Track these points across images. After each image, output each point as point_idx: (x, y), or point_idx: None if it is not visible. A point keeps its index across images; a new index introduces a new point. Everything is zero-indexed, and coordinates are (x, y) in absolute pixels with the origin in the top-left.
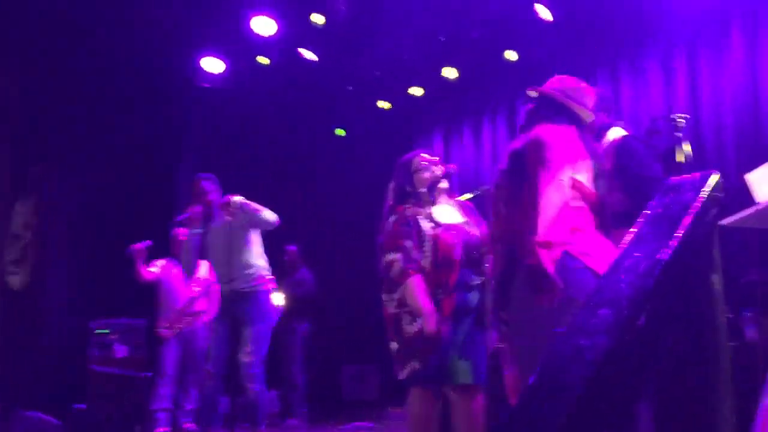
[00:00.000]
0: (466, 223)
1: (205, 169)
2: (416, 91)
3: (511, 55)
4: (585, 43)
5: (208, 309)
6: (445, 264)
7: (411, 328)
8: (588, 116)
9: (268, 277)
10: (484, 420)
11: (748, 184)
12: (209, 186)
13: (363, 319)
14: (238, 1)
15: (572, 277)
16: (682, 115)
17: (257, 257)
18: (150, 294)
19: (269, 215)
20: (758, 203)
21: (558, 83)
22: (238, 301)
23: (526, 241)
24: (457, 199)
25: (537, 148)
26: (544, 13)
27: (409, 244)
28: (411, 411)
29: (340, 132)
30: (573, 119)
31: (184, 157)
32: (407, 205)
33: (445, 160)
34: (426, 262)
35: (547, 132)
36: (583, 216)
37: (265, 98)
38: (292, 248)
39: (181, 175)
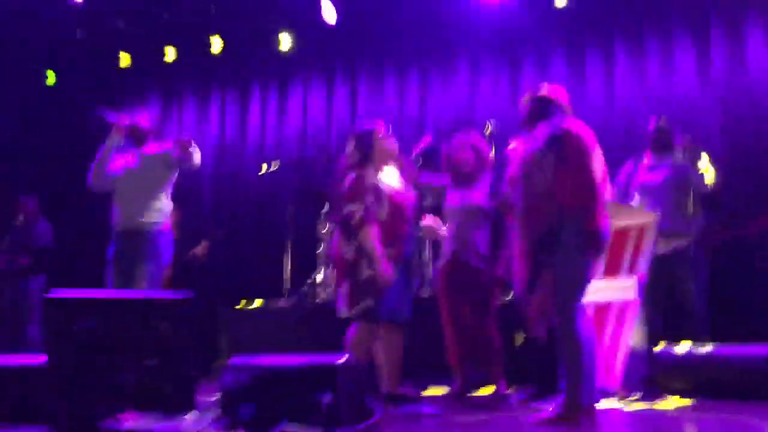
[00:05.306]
0: (404, 186)
1: None
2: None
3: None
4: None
5: None
6: (400, 218)
7: (368, 272)
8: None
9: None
10: (402, 352)
11: None
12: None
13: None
14: None
15: None
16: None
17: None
18: None
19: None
20: None
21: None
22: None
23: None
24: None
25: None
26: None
27: (369, 198)
28: (356, 341)
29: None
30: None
31: None
32: (363, 167)
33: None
34: (383, 215)
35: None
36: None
37: None
38: (28, 199)
39: None
